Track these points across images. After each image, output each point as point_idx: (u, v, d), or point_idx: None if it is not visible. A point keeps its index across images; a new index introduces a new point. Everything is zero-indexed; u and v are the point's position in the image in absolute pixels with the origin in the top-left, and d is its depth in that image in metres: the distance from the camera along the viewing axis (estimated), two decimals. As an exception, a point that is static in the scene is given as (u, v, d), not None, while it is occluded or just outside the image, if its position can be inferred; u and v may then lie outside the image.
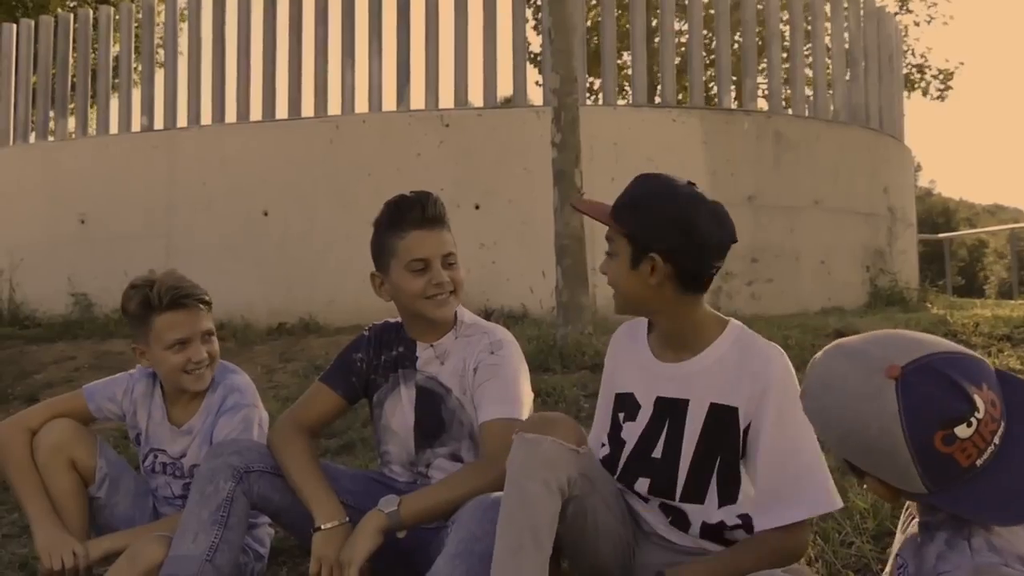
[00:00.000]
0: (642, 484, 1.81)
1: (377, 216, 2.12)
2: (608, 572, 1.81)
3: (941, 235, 16.75)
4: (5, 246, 7.12)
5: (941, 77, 16.10)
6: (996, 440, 1.16)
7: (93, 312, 6.53)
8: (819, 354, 1.28)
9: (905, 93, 15.85)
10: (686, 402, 1.76)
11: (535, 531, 1.61)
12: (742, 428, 1.71)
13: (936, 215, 37.21)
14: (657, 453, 1.78)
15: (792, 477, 1.66)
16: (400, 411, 2.17)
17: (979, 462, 1.15)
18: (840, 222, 6.95)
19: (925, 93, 16.12)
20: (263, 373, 5.11)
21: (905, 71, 15.90)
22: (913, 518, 1.33)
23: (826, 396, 1.23)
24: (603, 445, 1.89)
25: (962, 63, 16.63)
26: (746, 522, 1.74)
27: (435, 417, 2.14)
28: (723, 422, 1.72)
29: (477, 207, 6.14)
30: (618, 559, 1.81)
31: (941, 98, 16.07)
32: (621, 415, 1.87)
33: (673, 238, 1.68)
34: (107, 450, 2.35)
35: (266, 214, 6.53)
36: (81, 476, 2.26)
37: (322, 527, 1.92)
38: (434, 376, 2.15)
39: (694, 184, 1.75)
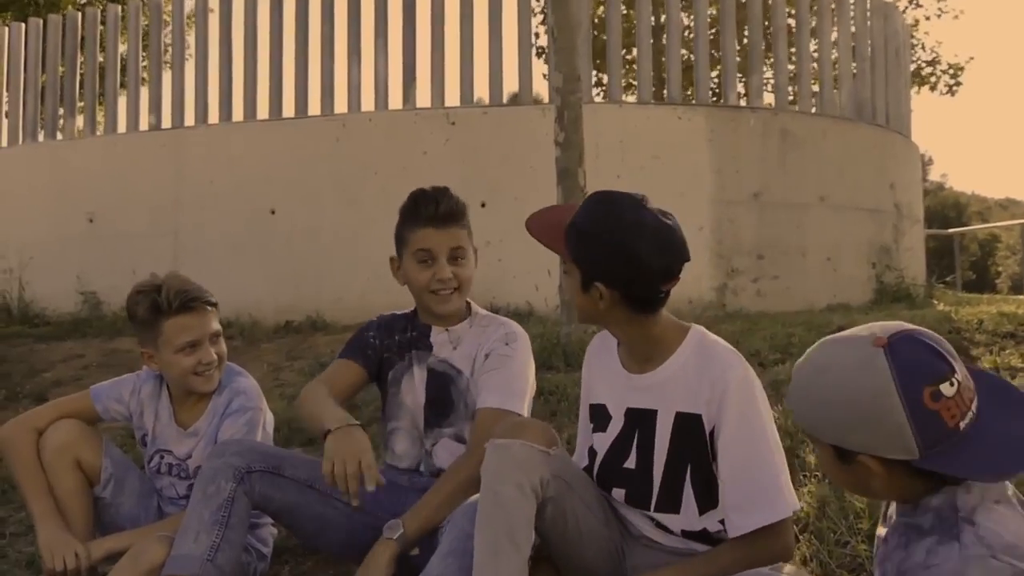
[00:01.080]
0: (618, 494, 1.84)
1: (402, 204, 2.23)
2: (597, 574, 1.84)
3: (951, 230, 16.68)
4: (15, 245, 7.18)
5: (951, 72, 16.00)
6: (974, 408, 1.26)
7: (102, 310, 6.58)
8: (800, 359, 1.36)
9: (915, 88, 15.78)
10: (654, 412, 1.79)
11: (511, 533, 1.65)
12: (707, 434, 1.73)
13: (948, 209, 37.02)
14: (631, 463, 1.81)
15: (753, 482, 1.68)
16: (413, 389, 2.24)
17: (962, 425, 1.24)
18: (846, 219, 6.94)
19: (934, 88, 16.02)
20: (269, 371, 5.13)
21: (915, 66, 15.81)
22: (891, 519, 1.37)
23: (818, 379, 1.30)
24: (584, 456, 1.92)
25: (972, 58, 16.51)
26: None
27: (444, 397, 2.21)
28: (690, 430, 1.75)
29: (483, 205, 6.15)
30: (606, 562, 1.83)
31: (951, 93, 15.98)
32: (592, 426, 1.90)
33: (615, 270, 1.70)
34: (112, 450, 2.39)
35: (273, 212, 6.57)
36: (86, 476, 2.29)
37: (331, 429, 1.92)
38: (446, 359, 2.23)
39: (644, 201, 1.73)
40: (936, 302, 6.63)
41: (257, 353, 5.55)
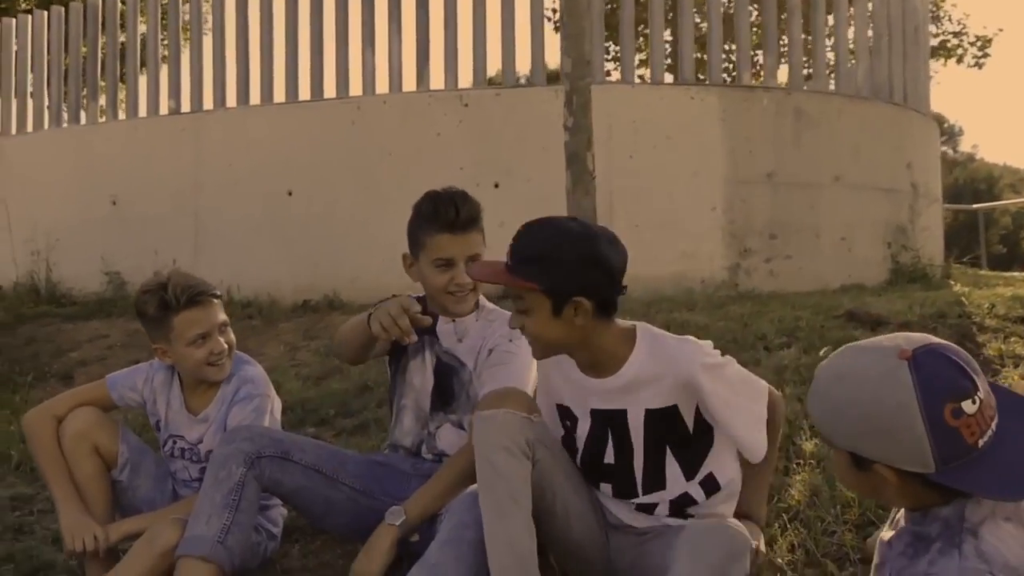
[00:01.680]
0: (606, 488, 1.92)
1: (417, 202, 2.26)
2: (585, 556, 1.92)
3: (976, 206, 16.47)
4: (42, 227, 7.33)
5: (979, 45, 15.70)
6: (993, 427, 1.27)
7: (126, 290, 6.71)
8: (823, 362, 1.39)
9: (942, 61, 15.52)
10: (623, 412, 1.86)
11: (513, 494, 1.74)
12: (688, 415, 1.83)
13: (979, 182, 36.37)
14: (609, 458, 1.89)
15: (751, 414, 1.86)
16: (423, 371, 2.33)
17: (981, 443, 1.25)
18: (861, 198, 6.90)
19: (960, 61, 15.73)
20: (287, 351, 5.21)
21: (942, 38, 15.54)
22: (899, 524, 1.40)
23: (839, 386, 1.31)
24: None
25: (1001, 30, 16.19)
26: (710, 487, 1.87)
27: (448, 387, 2.30)
28: (665, 420, 1.84)
29: (496, 186, 6.21)
30: (593, 542, 1.92)
31: (978, 67, 15.69)
32: (567, 423, 1.98)
33: (590, 276, 1.78)
34: (129, 436, 2.49)
35: (290, 194, 6.65)
36: (104, 461, 2.40)
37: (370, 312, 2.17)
38: (451, 351, 2.30)
39: (576, 219, 1.86)
40: (953, 283, 6.58)
41: (275, 332, 5.65)
